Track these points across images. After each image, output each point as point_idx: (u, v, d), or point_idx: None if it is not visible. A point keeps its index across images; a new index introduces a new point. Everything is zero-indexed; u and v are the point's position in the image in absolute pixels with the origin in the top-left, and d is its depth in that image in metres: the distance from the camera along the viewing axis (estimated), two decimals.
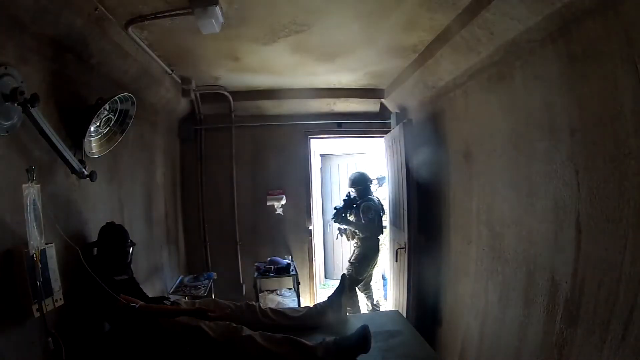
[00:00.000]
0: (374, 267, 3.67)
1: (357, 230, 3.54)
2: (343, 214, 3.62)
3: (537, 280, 1.66)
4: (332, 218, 3.66)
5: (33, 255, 1.34)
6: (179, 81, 3.01)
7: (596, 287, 1.32)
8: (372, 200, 3.58)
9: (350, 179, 3.73)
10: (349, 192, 3.69)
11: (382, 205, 3.65)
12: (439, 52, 2.26)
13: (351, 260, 3.58)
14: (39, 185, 1.39)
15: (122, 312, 1.70)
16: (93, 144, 1.88)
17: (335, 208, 3.70)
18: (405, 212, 2.94)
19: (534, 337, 1.66)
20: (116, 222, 1.98)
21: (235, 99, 3.56)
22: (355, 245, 3.64)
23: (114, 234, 1.88)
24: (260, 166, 3.86)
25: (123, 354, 1.73)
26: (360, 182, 3.65)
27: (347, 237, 3.71)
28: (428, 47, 2.41)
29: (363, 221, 3.48)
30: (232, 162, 3.79)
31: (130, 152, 2.50)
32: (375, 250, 3.57)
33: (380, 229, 3.59)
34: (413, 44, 2.41)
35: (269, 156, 3.88)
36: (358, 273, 3.53)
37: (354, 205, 3.62)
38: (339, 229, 3.73)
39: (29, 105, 1.32)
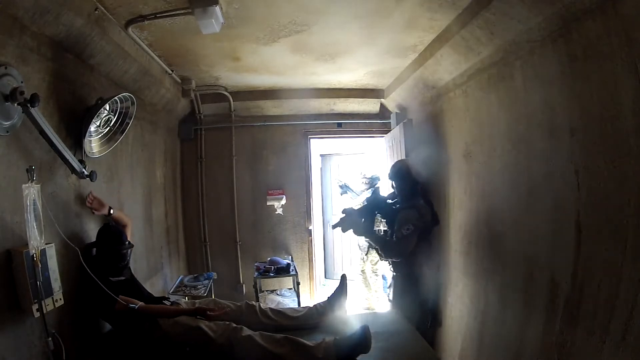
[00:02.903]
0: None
1: (377, 248, 2.31)
2: (364, 220, 2.31)
3: (537, 280, 1.66)
4: (339, 225, 2.30)
5: (33, 255, 1.34)
6: (179, 81, 3.01)
7: (596, 287, 1.32)
8: (418, 208, 2.22)
9: (391, 169, 2.43)
10: (376, 188, 2.47)
11: (435, 219, 2.34)
12: (439, 52, 2.26)
13: (390, 299, 2.40)
14: (39, 185, 1.39)
15: (119, 313, 1.70)
16: (93, 144, 1.88)
17: (344, 211, 2.34)
18: None
19: (534, 337, 1.66)
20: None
21: (235, 99, 3.56)
22: (391, 271, 2.41)
23: (111, 237, 1.88)
24: (260, 166, 3.87)
25: (123, 354, 1.73)
26: (400, 176, 2.35)
27: (364, 250, 2.71)
28: (428, 47, 2.41)
29: (395, 237, 2.20)
30: (232, 162, 3.79)
31: (130, 152, 2.50)
32: (415, 280, 2.31)
33: (422, 252, 2.27)
34: (413, 44, 2.41)
35: (269, 156, 3.88)
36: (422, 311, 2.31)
37: (393, 209, 2.36)
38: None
39: (29, 105, 1.32)
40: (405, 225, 2.16)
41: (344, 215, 2.33)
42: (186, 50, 2.44)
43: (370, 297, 3.96)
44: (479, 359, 2.17)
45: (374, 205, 2.43)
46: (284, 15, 1.98)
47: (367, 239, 2.38)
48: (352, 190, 4.18)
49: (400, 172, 2.37)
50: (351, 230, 2.31)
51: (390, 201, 2.42)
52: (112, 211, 2.00)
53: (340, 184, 4.36)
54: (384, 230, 2.39)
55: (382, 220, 2.43)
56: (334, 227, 2.34)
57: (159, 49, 2.37)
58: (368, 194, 3.91)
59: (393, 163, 2.52)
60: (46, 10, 1.43)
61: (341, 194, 4.37)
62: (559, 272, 1.52)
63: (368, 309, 3.88)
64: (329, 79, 3.27)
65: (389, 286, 2.43)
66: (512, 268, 1.87)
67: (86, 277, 1.62)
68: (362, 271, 3.99)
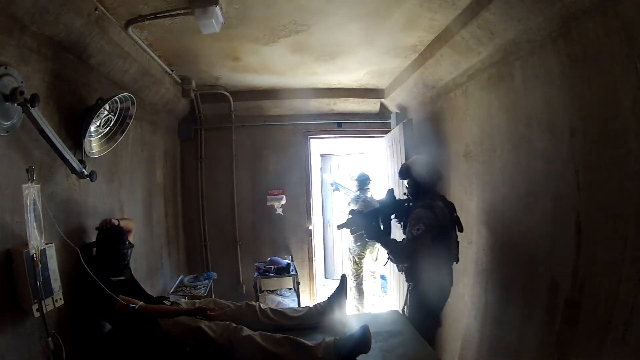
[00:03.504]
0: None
1: (387, 252, 2.13)
2: (375, 223, 2.09)
3: (537, 280, 1.66)
4: (347, 226, 2.14)
5: (33, 255, 1.34)
6: (179, 81, 3.01)
7: (596, 287, 1.32)
8: (433, 208, 1.98)
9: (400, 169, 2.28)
10: (390, 189, 2.26)
11: (455, 220, 2.06)
12: (439, 52, 2.26)
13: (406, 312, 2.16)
14: (39, 185, 1.39)
15: (119, 313, 1.70)
16: (93, 144, 1.88)
17: (351, 212, 2.20)
18: None
19: (534, 337, 1.66)
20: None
21: (235, 99, 3.56)
22: (407, 281, 2.21)
23: (111, 236, 1.88)
24: (260, 166, 3.87)
25: (123, 354, 1.73)
26: (402, 177, 2.22)
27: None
28: (428, 47, 2.41)
29: (405, 238, 2.05)
30: (232, 162, 3.79)
31: (130, 152, 2.50)
32: (440, 292, 2.06)
33: (438, 257, 1.97)
34: (413, 44, 2.41)
35: (269, 156, 3.88)
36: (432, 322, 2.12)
37: (407, 209, 2.15)
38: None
39: (29, 105, 1.32)
40: (416, 225, 1.94)
41: (350, 216, 2.17)
42: (186, 50, 2.44)
43: (360, 306, 3.90)
44: (479, 359, 2.17)
45: (389, 208, 2.18)
46: (284, 15, 1.98)
47: (377, 242, 2.18)
48: (344, 187, 4.22)
49: (400, 173, 2.28)
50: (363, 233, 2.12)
51: (408, 205, 2.22)
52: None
53: (331, 182, 4.46)
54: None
55: (399, 225, 2.23)
56: (339, 227, 2.19)
57: (159, 49, 2.37)
58: (361, 193, 3.92)
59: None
60: (46, 10, 1.43)
61: (333, 191, 4.46)
62: (559, 272, 1.52)
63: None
64: (329, 79, 3.27)
65: (405, 302, 2.22)
66: (512, 268, 1.87)
67: (86, 277, 1.62)
68: (357, 276, 3.90)
